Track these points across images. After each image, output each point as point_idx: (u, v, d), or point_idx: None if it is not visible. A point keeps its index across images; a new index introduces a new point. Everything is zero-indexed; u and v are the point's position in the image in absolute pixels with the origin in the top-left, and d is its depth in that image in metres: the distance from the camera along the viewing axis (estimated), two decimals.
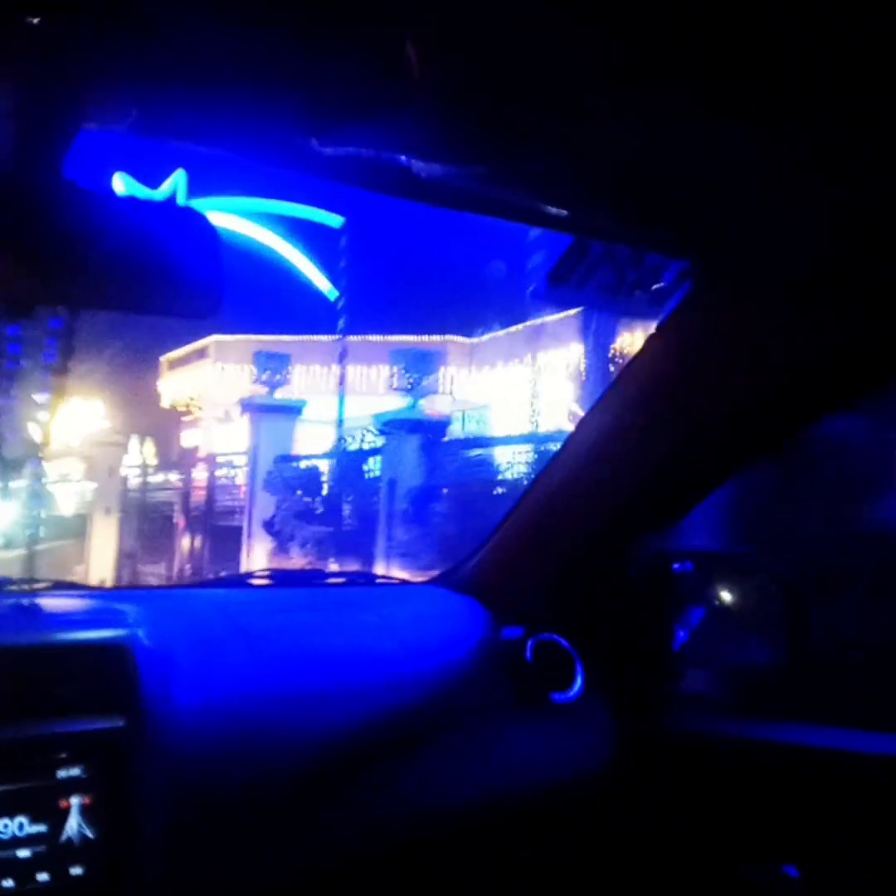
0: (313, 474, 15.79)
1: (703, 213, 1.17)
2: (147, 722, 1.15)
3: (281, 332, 24.10)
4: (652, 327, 1.50)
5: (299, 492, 15.14)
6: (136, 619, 1.27)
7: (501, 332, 21.65)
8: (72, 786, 1.09)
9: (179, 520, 17.57)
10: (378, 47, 0.80)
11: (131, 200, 0.98)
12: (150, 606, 1.39)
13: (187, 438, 29.29)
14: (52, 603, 1.38)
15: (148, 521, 18.05)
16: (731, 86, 0.84)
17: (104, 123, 0.91)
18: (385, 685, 1.44)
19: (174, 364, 27.15)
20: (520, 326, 20.26)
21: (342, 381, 20.45)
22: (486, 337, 22.35)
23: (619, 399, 1.59)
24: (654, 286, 1.34)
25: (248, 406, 17.14)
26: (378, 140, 0.96)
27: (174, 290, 0.98)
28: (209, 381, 25.09)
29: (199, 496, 17.95)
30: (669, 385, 1.51)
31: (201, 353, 25.11)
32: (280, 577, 1.86)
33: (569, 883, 1.56)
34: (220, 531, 16.59)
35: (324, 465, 16.09)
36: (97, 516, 17.51)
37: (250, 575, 1.82)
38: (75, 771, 1.10)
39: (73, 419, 29.60)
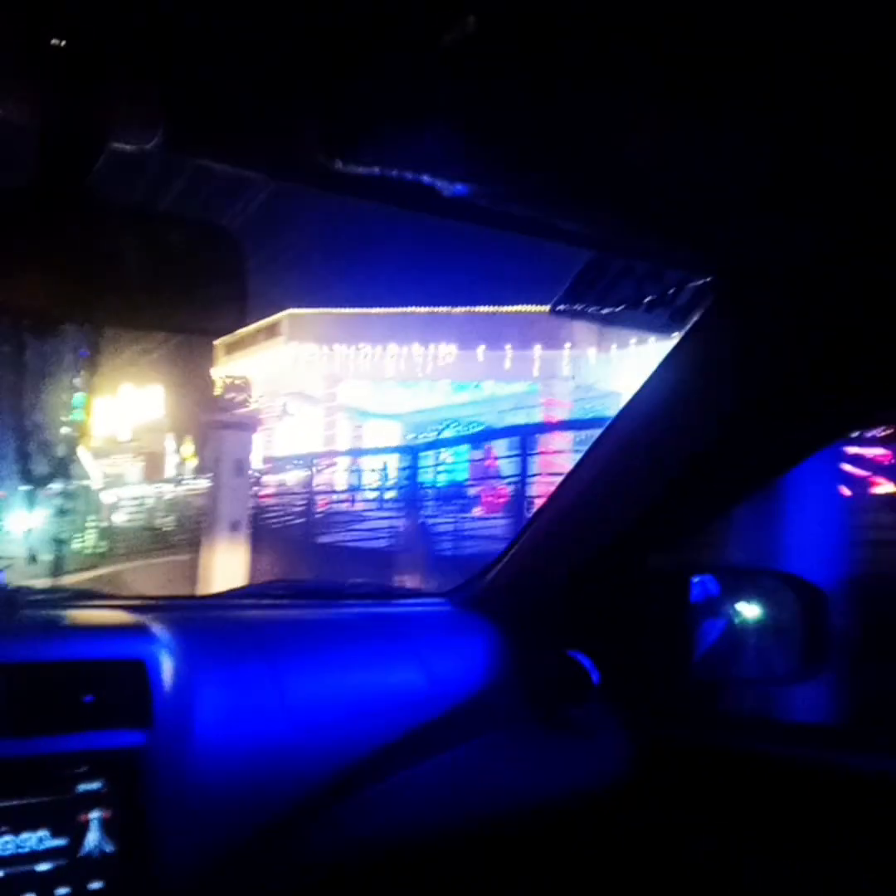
0: None
1: (724, 228, 1.34)
2: (167, 738, 1.30)
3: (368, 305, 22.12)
4: (671, 342, 1.65)
5: None
6: (160, 635, 1.42)
7: None
8: (91, 800, 1.22)
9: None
10: (397, 68, 0.94)
11: (156, 216, 1.12)
12: (173, 621, 1.53)
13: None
14: (74, 615, 1.53)
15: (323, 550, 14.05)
16: (747, 102, 0.98)
17: (131, 141, 1.03)
18: (401, 703, 1.62)
19: (233, 347, 24.74)
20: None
21: None
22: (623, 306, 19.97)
23: (637, 412, 1.75)
24: (675, 302, 1.52)
25: None
26: (399, 159, 1.11)
27: (197, 306, 1.11)
28: (283, 365, 23.20)
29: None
30: (688, 399, 1.66)
31: (271, 332, 23.15)
32: (298, 590, 2.07)
33: (583, 895, 1.75)
34: None
35: None
36: (218, 534, 13.67)
37: (269, 586, 2.04)
38: (95, 785, 1.23)
39: (127, 412, 29.50)
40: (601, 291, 1.55)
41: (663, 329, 1.56)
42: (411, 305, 21.77)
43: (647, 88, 0.98)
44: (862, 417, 1.70)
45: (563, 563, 1.91)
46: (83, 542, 19.76)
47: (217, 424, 14.87)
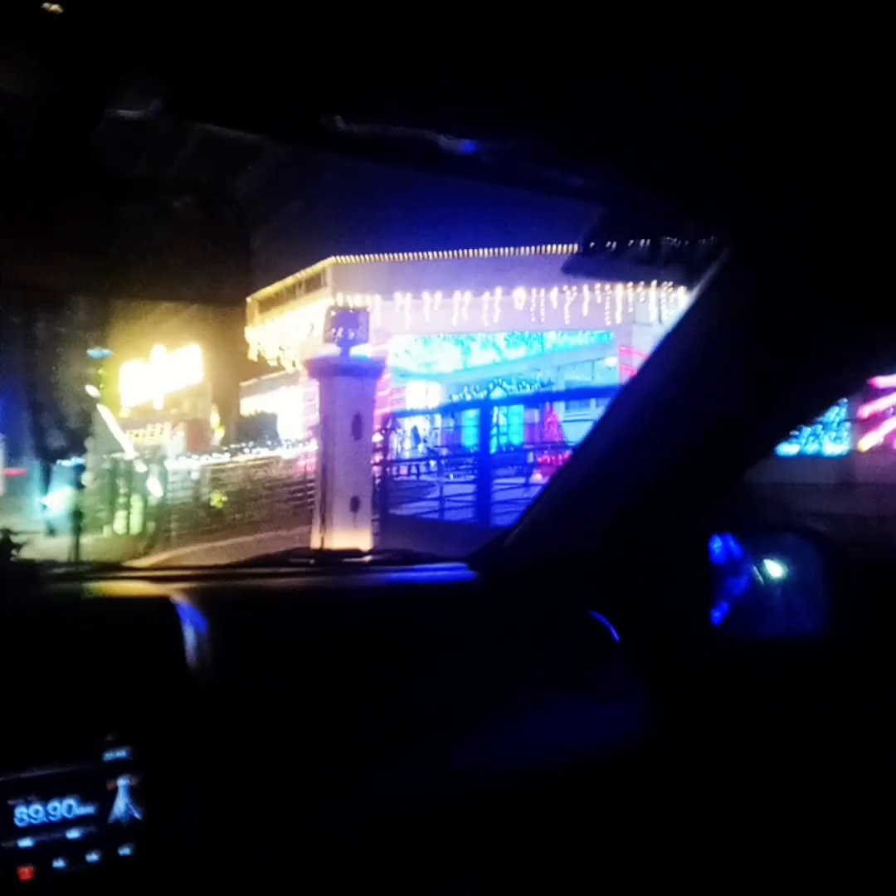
0: None
1: (741, 180, 1.42)
2: (192, 706, 1.43)
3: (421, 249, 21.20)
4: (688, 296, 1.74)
5: None
6: (183, 605, 1.55)
7: None
8: (119, 767, 1.33)
9: None
10: (398, 22, 1.00)
11: (160, 185, 1.20)
12: (195, 591, 1.67)
13: (250, 405, 27.00)
14: (97, 587, 1.67)
15: None
16: (770, 55, 1.06)
17: (129, 106, 1.08)
18: (424, 669, 1.75)
19: (269, 304, 24.18)
20: None
21: None
22: None
23: (657, 371, 1.85)
24: (692, 255, 1.62)
25: None
26: (404, 117, 1.19)
27: (204, 275, 1.20)
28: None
29: None
30: (708, 356, 1.77)
31: (313, 283, 22.64)
32: (319, 558, 2.22)
33: (601, 856, 1.88)
34: None
35: None
36: (332, 516, 11.57)
37: (290, 553, 2.17)
38: (122, 753, 1.34)
39: (162, 377, 29.08)
40: (619, 246, 1.65)
41: (681, 283, 1.66)
42: (472, 248, 20.93)
43: (658, 40, 1.05)
44: (881, 365, 1.80)
45: (583, 526, 2.04)
46: (126, 522, 19.15)
47: (328, 369, 12.29)
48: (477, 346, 25.12)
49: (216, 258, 1.20)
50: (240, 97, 1.15)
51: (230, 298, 1.26)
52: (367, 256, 22.00)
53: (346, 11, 0.98)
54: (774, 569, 2.04)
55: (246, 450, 20.50)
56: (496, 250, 20.66)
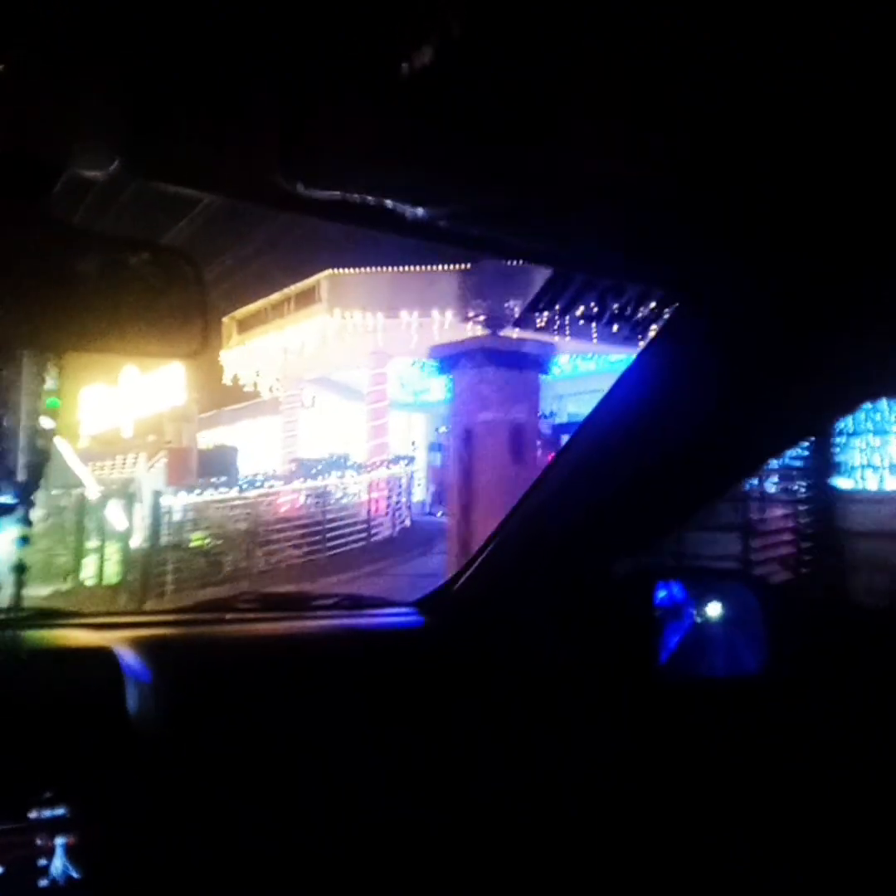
0: None
1: (687, 243, 1.57)
2: (134, 761, 1.49)
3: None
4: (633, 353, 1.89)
5: None
6: (126, 656, 1.62)
7: None
8: (56, 826, 1.38)
9: None
10: (356, 95, 1.12)
11: (115, 240, 1.25)
12: (139, 640, 1.74)
13: (206, 439, 25.80)
14: (38, 636, 1.73)
15: None
16: (713, 119, 1.18)
17: (89, 166, 1.15)
18: (373, 713, 1.86)
19: (250, 323, 23.45)
20: None
21: None
22: None
23: (604, 420, 2.02)
24: (637, 313, 1.81)
25: None
26: (359, 184, 1.30)
27: (158, 329, 1.23)
28: (319, 341, 22.08)
29: None
30: (652, 408, 1.92)
31: (306, 298, 22.17)
32: (266, 603, 2.33)
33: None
34: None
35: None
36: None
37: (237, 599, 2.26)
38: (59, 811, 1.39)
39: (135, 400, 26.96)
40: (565, 306, 1.84)
41: (627, 341, 1.85)
42: (489, 257, 19.56)
43: (607, 107, 1.18)
44: (824, 420, 1.98)
45: (529, 570, 2.18)
46: (98, 570, 18.08)
47: (471, 356, 9.22)
48: None
49: (173, 315, 1.24)
50: (199, 161, 1.23)
51: (186, 354, 1.30)
52: (368, 269, 21.20)
53: (302, 83, 1.09)
54: (715, 611, 2.22)
55: (258, 483, 19.68)
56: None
